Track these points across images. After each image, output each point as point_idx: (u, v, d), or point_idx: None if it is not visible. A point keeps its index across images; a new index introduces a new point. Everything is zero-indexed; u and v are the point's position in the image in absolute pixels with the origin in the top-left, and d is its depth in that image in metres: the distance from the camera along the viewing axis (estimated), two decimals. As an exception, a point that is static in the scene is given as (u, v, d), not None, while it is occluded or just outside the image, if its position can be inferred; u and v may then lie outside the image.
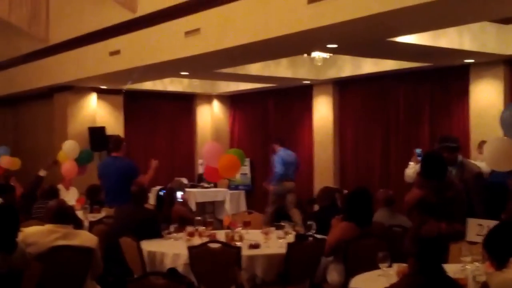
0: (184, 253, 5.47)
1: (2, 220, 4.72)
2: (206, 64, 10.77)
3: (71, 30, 11.92)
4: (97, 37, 11.17)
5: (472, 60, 10.28)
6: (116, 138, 9.07)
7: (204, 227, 6.49)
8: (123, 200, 7.87)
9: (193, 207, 11.03)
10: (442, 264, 3.60)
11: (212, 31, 8.91)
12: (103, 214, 8.14)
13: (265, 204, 12.31)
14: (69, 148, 10.33)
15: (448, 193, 6.14)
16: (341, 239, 5.61)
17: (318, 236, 6.01)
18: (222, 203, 12.94)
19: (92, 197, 9.07)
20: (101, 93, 13.64)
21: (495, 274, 3.68)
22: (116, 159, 8.36)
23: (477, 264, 4.52)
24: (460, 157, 6.78)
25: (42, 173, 9.48)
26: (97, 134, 12.83)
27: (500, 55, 9.78)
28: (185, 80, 14.37)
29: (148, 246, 5.89)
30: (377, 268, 4.47)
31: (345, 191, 8.90)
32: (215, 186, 13.13)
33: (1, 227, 4.69)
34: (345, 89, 13.01)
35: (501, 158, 5.93)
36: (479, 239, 4.52)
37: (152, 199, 10.25)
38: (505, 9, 6.90)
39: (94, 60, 11.46)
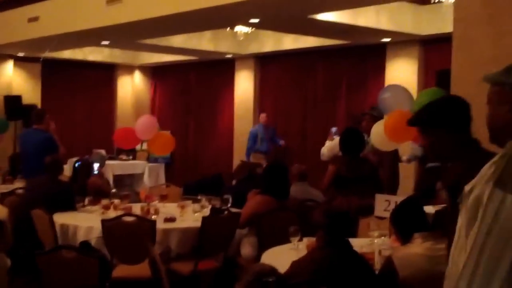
0: (97, 226, 5.38)
1: None
2: (127, 34, 10.64)
3: (-14, -5, 11.52)
4: (15, 3, 10.85)
5: (389, 39, 10.51)
6: (39, 110, 8.79)
7: (119, 200, 6.44)
8: (40, 174, 7.71)
9: (111, 180, 10.87)
10: (349, 239, 3.71)
11: (134, 0, 8.79)
12: (16, 185, 7.94)
13: (184, 177, 12.31)
14: (-18, 117, 10.04)
15: (363, 169, 6.28)
16: (255, 212, 5.66)
17: (234, 209, 6.05)
18: (141, 176, 12.81)
19: (13, 166, 8.86)
20: (18, 60, 13.28)
21: (399, 249, 3.81)
22: (36, 131, 8.10)
23: (384, 238, 4.66)
24: None
25: None
26: (13, 103, 12.50)
27: (416, 35, 10.04)
28: (106, 50, 14.13)
29: (61, 218, 5.78)
30: (290, 242, 4.54)
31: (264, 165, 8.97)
32: (134, 158, 13.00)
33: None
34: (266, 64, 13.08)
35: (383, 139, 6.07)
36: (386, 214, 4.66)
37: (68, 171, 10.09)
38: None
39: (11, 26, 11.12)
